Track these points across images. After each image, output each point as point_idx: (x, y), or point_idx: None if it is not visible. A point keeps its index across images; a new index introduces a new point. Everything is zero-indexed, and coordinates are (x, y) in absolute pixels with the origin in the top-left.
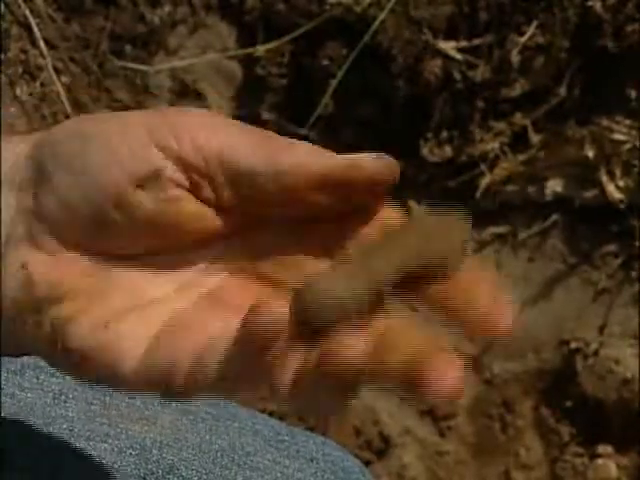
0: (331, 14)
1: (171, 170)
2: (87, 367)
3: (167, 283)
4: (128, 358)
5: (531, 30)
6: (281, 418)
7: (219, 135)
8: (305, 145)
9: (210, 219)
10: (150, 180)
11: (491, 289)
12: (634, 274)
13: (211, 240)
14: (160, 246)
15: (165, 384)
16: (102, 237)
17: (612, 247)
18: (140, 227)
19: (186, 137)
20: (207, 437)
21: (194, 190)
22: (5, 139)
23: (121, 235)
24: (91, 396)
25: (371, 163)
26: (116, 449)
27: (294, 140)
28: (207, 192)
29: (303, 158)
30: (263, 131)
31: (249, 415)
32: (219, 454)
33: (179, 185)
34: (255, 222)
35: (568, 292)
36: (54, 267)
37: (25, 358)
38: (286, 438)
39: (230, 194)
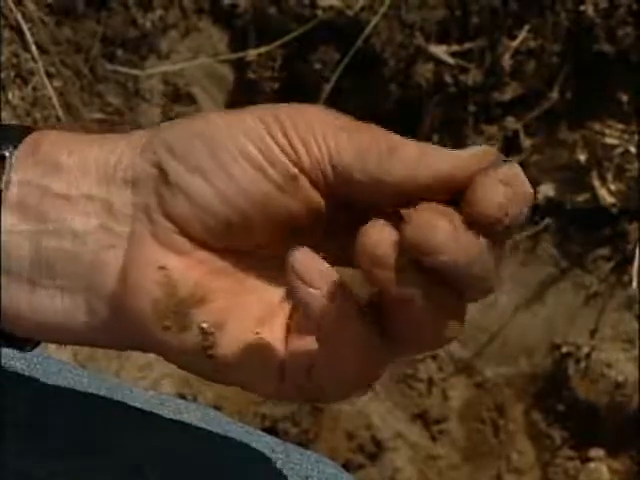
0: (323, 18)
1: (303, 175)
2: (230, 373)
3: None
4: (279, 362)
5: (523, 34)
6: (273, 425)
7: (329, 142)
8: (411, 150)
9: (323, 214)
10: (290, 184)
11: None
12: (626, 278)
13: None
14: (279, 236)
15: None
16: (235, 234)
17: (604, 251)
18: (275, 224)
19: (298, 144)
20: (200, 454)
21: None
22: (88, 143)
23: (255, 231)
24: (88, 408)
25: (476, 160)
26: (108, 465)
27: (400, 143)
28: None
29: (409, 170)
30: (370, 131)
31: (243, 431)
32: (212, 472)
33: (313, 186)
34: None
35: (560, 296)
36: (190, 266)
37: (19, 365)
38: (280, 456)
39: (337, 195)
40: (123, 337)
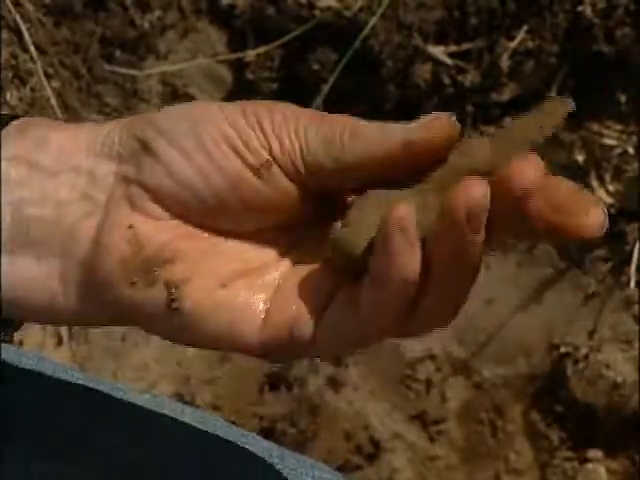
0: (321, 19)
1: (276, 164)
2: (201, 328)
3: (264, 254)
4: (249, 316)
5: (521, 35)
6: (271, 425)
7: (299, 135)
8: (370, 130)
9: (298, 205)
10: (264, 169)
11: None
12: (624, 278)
13: (293, 226)
14: (257, 225)
15: (292, 338)
16: (210, 213)
17: (602, 252)
18: (249, 208)
19: (272, 136)
20: (196, 458)
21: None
22: (79, 125)
23: (229, 214)
24: (83, 410)
25: (422, 135)
26: (103, 468)
27: (361, 126)
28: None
29: (367, 147)
30: (336, 120)
31: (239, 435)
32: (207, 476)
33: (285, 174)
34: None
35: (558, 296)
36: (161, 229)
37: (14, 367)
38: (276, 461)
39: (310, 184)
40: (95, 303)
